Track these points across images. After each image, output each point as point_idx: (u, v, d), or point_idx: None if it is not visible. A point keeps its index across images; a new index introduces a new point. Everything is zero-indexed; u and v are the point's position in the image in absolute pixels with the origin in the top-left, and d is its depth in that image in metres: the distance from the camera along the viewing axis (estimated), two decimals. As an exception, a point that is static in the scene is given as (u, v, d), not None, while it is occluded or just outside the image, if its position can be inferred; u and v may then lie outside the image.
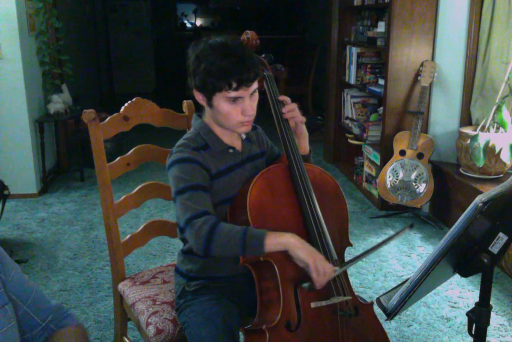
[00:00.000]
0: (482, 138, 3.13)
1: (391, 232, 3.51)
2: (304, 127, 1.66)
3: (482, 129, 3.30)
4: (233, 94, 1.46)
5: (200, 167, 1.50)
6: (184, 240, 1.67)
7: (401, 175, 3.60)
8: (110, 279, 2.40)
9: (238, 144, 1.63)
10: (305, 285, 1.43)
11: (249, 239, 1.38)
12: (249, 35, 1.70)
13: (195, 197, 1.45)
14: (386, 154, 3.73)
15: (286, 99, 1.63)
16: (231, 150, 1.60)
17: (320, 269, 1.39)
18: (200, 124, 1.60)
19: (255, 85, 1.49)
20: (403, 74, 3.64)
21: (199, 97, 1.54)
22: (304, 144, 1.68)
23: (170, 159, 1.54)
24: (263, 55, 1.70)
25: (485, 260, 1.22)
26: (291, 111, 1.61)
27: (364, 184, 4.32)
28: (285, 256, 1.42)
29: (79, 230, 3.60)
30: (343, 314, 1.47)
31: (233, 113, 1.49)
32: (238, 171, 1.59)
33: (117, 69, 9.30)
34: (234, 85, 1.44)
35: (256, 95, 1.53)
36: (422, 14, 3.53)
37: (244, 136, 1.65)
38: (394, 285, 2.19)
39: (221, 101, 1.48)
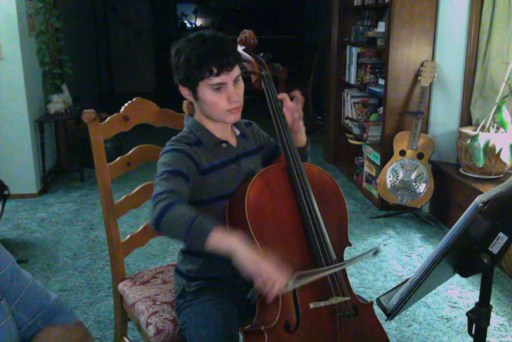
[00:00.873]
0: (482, 138, 3.13)
1: (391, 232, 3.51)
2: (301, 122, 1.66)
3: (482, 129, 3.30)
4: (215, 80, 1.46)
5: (187, 158, 1.50)
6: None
7: (401, 175, 3.59)
8: (110, 279, 2.40)
9: (232, 140, 1.63)
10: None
11: (196, 226, 1.30)
12: (246, 34, 1.70)
13: (171, 179, 1.42)
14: (386, 154, 3.73)
15: (285, 96, 1.63)
16: (224, 145, 1.59)
17: (269, 283, 1.26)
18: (192, 122, 1.60)
19: (236, 70, 1.50)
20: (403, 74, 3.64)
21: (185, 92, 1.55)
22: (301, 137, 1.68)
23: (161, 152, 1.55)
24: (261, 54, 1.70)
25: (485, 260, 1.22)
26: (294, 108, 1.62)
27: (364, 184, 4.32)
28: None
29: (79, 230, 3.60)
30: (342, 315, 1.47)
31: (219, 101, 1.49)
32: (232, 167, 1.58)
33: (117, 69, 9.30)
34: (215, 70, 1.45)
35: (241, 83, 1.53)
36: (422, 14, 3.53)
37: (238, 132, 1.65)
38: (394, 285, 2.19)
39: (205, 90, 1.49)
